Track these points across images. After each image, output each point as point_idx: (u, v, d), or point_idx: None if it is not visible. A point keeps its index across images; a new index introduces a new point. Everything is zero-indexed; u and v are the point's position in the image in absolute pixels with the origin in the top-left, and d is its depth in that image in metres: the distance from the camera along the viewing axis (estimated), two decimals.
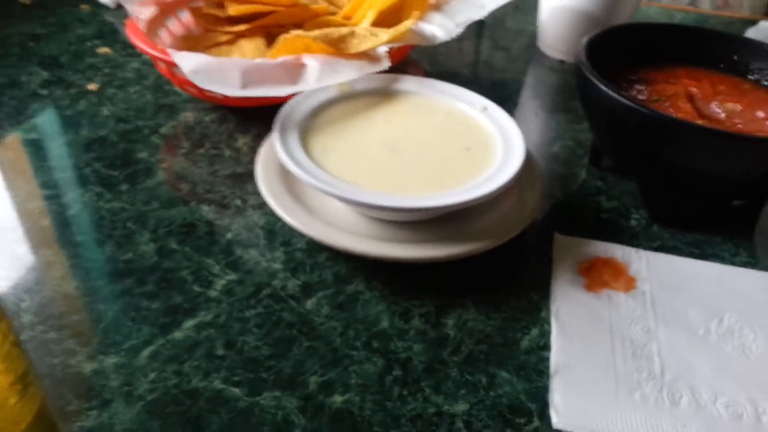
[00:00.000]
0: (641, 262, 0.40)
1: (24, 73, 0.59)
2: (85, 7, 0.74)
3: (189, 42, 0.58)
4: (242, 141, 0.51)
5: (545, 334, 0.36)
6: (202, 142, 0.51)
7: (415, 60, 0.67)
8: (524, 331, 0.36)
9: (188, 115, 0.54)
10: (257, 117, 0.54)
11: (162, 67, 0.52)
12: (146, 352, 0.34)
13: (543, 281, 0.39)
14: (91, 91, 0.57)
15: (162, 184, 0.46)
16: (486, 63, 0.68)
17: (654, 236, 0.44)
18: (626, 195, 0.48)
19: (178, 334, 0.35)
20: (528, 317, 0.37)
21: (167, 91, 0.57)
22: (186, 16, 0.60)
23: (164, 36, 0.57)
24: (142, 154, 0.49)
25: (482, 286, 0.39)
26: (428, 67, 0.66)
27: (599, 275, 0.39)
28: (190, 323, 0.35)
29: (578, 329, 0.35)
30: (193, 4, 0.61)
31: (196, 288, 0.37)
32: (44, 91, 0.57)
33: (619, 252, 0.41)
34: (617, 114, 0.41)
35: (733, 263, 0.42)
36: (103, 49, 0.65)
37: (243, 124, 0.53)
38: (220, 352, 0.34)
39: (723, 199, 0.45)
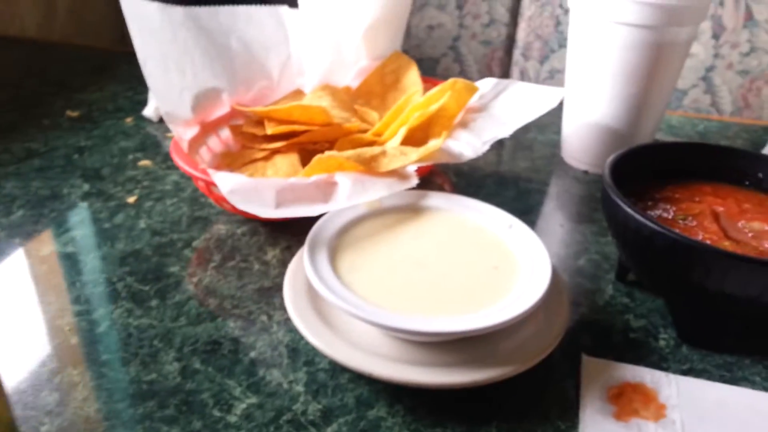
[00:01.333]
0: (671, 387, 0.39)
1: (66, 185, 0.63)
2: (129, 120, 0.79)
3: (227, 159, 0.61)
4: (271, 254, 0.52)
5: None
6: (232, 255, 0.52)
7: (442, 170, 0.69)
8: None
9: (221, 228, 0.56)
10: (287, 229, 0.55)
11: (201, 186, 0.55)
12: None
13: (570, 406, 0.38)
14: (129, 204, 0.60)
15: (191, 299, 0.47)
16: (510, 173, 0.69)
17: (683, 358, 0.42)
18: (654, 313, 0.47)
19: None
20: None
21: (202, 204, 0.60)
22: (225, 134, 0.64)
23: (204, 153, 0.60)
24: (174, 268, 0.50)
25: (508, 411, 0.38)
26: (453, 177, 0.68)
27: (629, 402, 0.37)
28: None
29: None
30: (233, 122, 0.64)
31: (216, 413, 0.37)
32: (84, 204, 0.59)
33: (648, 376, 0.40)
34: (643, 235, 0.41)
35: (764, 388, 0.40)
36: (144, 162, 0.68)
37: (273, 237, 0.54)
38: None
39: (753, 321, 0.44)
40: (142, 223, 0.56)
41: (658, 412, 0.37)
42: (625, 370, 0.40)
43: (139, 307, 0.46)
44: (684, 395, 0.38)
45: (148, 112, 0.80)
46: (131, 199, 0.61)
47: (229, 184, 0.48)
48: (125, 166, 0.68)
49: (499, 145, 0.76)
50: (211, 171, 0.50)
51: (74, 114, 0.80)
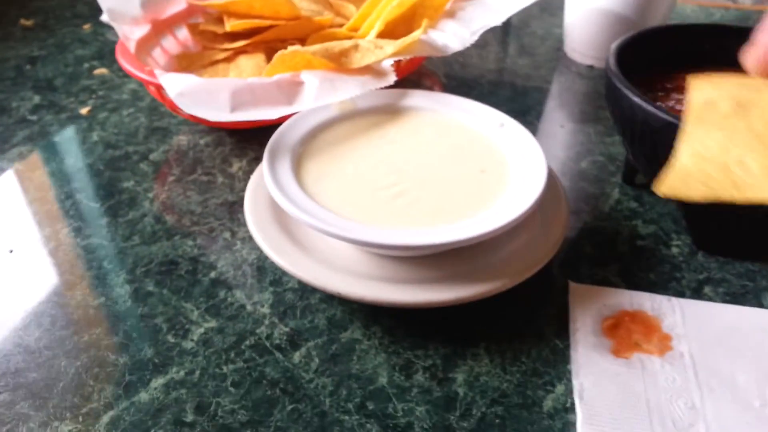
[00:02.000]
0: (675, 314, 0.34)
1: (16, 98, 0.57)
2: (87, 27, 0.72)
3: (185, 61, 0.54)
4: (237, 165, 0.47)
5: (573, 392, 0.30)
6: (194, 168, 0.47)
7: (431, 71, 0.62)
8: (547, 387, 0.31)
9: (182, 139, 0.50)
10: (255, 138, 0.50)
11: (153, 90, 0.48)
12: (106, 418, 0.29)
13: (568, 323, 0.34)
14: (82, 116, 0.54)
15: (145, 216, 0.42)
16: (508, 71, 0.63)
17: (699, 267, 0.38)
18: (665, 218, 0.42)
19: (144, 396, 0.30)
20: (552, 370, 0.32)
21: (162, 113, 0.54)
22: (184, 33, 0.57)
23: (159, 56, 0.54)
24: (128, 183, 0.45)
25: (498, 331, 0.34)
26: (444, 78, 0.61)
27: (628, 335, 0.33)
28: (159, 382, 0.31)
29: (609, 411, 0.29)
30: (192, 20, 0.57)
31: (170, 338, 0.33)
32: (33, 117, 0.54)
33: (647, 302, 0.35)
34: (653, 127, 0.35)
35: None
36: (100, 70, 0.62)
37: (240, 147, 0.49)
38: (190, 417, 0.29)
39: None
40: (94, 136, 0.51)
41: (663, 345, 0.32)
42: (620, 296, 0.35)
43: (88, 226, 0.41)
44: (690, 322, 0.34)
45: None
46: (84, 111, 0.55)
47: (178, 86, 0.41)
48: (80, 75, 0.61)
49: (496, 41, 0.69)
50: (158, 72, 0.44)
51: (28, 23, 0.73)
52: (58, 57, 0.65)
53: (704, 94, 0.25)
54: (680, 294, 0.36)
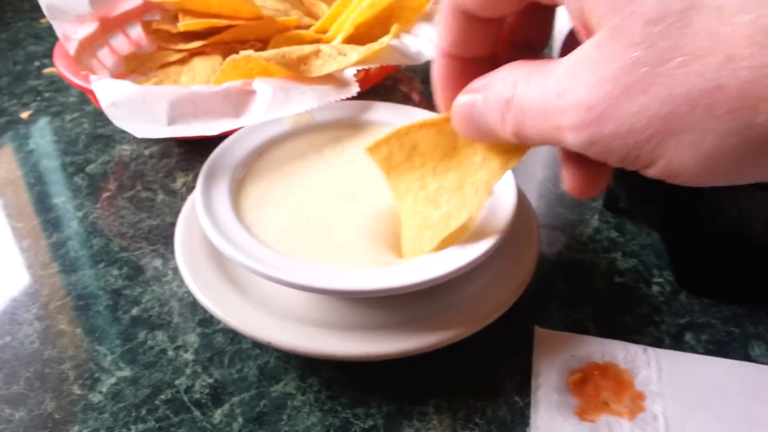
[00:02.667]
0: (650, 367, 0.30)
1: None
2: (44, 21, 0.67)
3: (134, 62, 0.50)
4: (182, 181, 0.43)
5: None
6: (133, 183, 0.42)
7: (408, 75, 0.58)
8: None
9: (125, 149, 0.46)
10: (207, 150, 0.44)
11: (93, 97, 0.44)
12: None
13: (531, 376, 0.30)
14: (22, 120, 0.49)
15: (70, 240, 0.37)
16: None
17: (681, 309, 0.34)
18: (648, 251, 0.38)
19: None
20: None
21: (108, 119, 0.49)
22: (138, 32, 0.53)
23: (105, 56, 0.49)
24: (58, 200, 0.41)
25: (451, 385, 0.30)
26: (422, 84, 0.57)
27: (596, 392, 0.29)
28: None
29: None
30: (148, 17, 0.53)
31: (76, 389, 0.29)
32: None
33: (620, 353, 0.31)
34: None
35: None
36: (50, 70, 0.57)
37: (187, 159, 0.45)
38: None
39: None
40: (31, 144, 0.47)
41: (635, 404, 0.28)
42: (591, 344, 0.31)
43: (3, 250, 0.37)
44: (667, 377, 0.29)
45: None
46: (25, 114, 0.50)
47: (112, 95, 0.37)
48: (27, 75, 0.57)
49: None
50: (93, 78, 0.40)
51: None
52: (8, 53, 0.60)
53: (380, 154, 0.28)
54: (659, 341, 0.32)
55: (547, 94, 0.19)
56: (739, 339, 0.32)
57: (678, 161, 0.17)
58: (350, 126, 0.40)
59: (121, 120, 0.36)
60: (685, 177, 0.17)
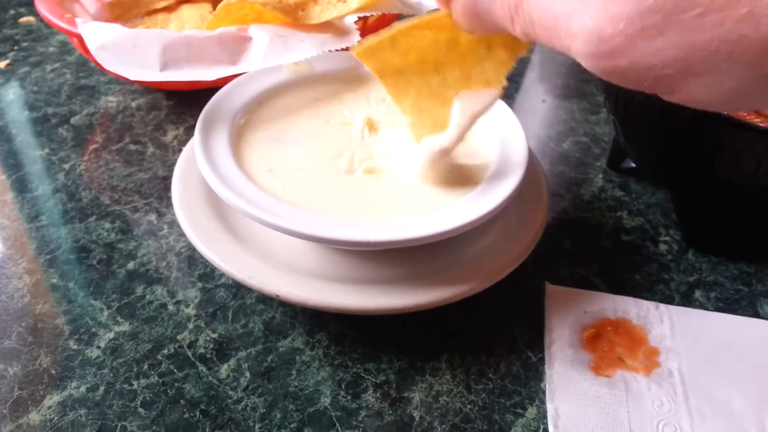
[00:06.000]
0: (663, 323, 0.30)
1: None
2: None
3: (119, 8, 0.47)
4: (173, 134, 0.41)
5: (546, 417, 0.26)
6: (121, 135, 0.40)
7: None
8: (517, 410, 0.26)
9: (111, 100, 0.44)
10: (197, 102, 0.43)
11: (77, 43, 0.42)
12: None
13: (543, 331, 0.29)
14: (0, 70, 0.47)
15: (58, 192, 0.36)
16: None
17: (690, 267, 0.34)
18: (654, 209, 0.37)
19: (34, 417, 0.25)
20: (523, 389, 0.27)
21: (92, 70, 0.47)
22: None
23: (88, 2, 0.47)
24: (42, 151, 0.39)
25: (463, 340, 0.29)
26: None
27: (610, 348, 0.28)
28: (54, 399, 0.25)
29: None
30: None
31: (72, 344, 0.28)
32: None
33: (633, 309, 0.30)
34: (653, 109, 0.31)
35: None
36: (27, 19, 0.54)
37: (177, 112, 0.43)
38: None
39: None
40: (11, 94, 0.44)
41: (650, 360, 0.28)
42: (603, 300, 0.31)
43: None
44: (681, 334, 0.29)
45: None
46: (2, 64, 0.47)
47: (101, 38, 0.35)
48: (2, 23, 0.53)
49: None
50: (79, 21, 0.37)
51: None
52: None
53: (372, 58, 0.27)
54: (669, 299, 0.32)
55: (557, 11, 0.18)
56: (747, 297, 0.32)
57: (698, 94, 0.17)
58: (350, 78, 0.38)
59: (111, 63, 0.34)
60: (703, 105, 0.18)
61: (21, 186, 0.36)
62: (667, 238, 0.35)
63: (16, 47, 0.50)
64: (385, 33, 0.26)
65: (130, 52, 0.35)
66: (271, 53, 0.36)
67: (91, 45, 0.35)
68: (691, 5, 0.16)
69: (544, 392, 0.27)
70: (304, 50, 0.37)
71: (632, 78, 0.18)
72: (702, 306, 0.31)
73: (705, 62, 0.16)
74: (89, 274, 0.31)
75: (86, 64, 0.47)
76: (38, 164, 0.37)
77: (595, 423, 0.26)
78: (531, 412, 0.26)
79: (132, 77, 0.34)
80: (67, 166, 0.37)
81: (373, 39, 0.27)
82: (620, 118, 0.35)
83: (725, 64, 0.16)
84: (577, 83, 0.50)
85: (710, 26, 0.16)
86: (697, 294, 0.32)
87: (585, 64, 0.18)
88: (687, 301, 0.32)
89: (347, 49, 0.38)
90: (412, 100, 0.28)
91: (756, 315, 0.31)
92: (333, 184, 0.30)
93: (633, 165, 0.39)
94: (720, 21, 0.15)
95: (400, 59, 0.27)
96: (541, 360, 0.28)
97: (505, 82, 0.26)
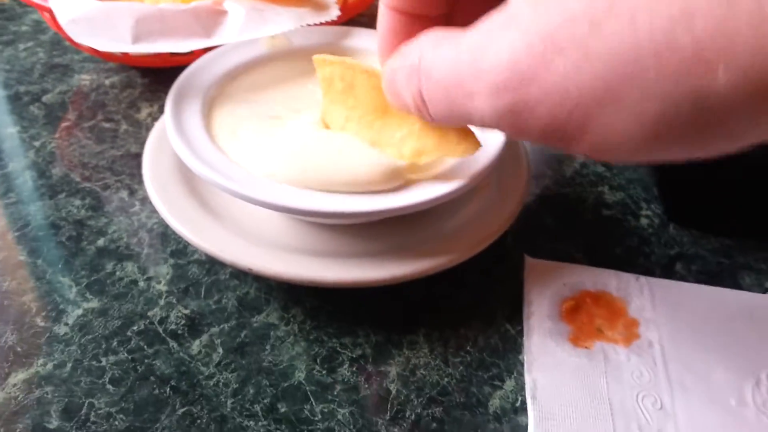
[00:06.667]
0: (643, 295, 0.29)
1: None
2: None
3: None
4: (146, 111, 0.40)
5: (524, 389, 0.26)
6: (94, 113, 0.39)
7: None
8: (495, 383, 0.26)
9: (84, 78, 0.43)
10: (171, 80, 0.42)
11: (48, 18, 0.41)
12: None
13: (522, 304, 0.29)
14: None
15: (27, 169, 0.35)
16: None
17: (671, 240, 0.33)
18: (635, 184, 0.37)
19: None
20: (501, 361, 0.27)
21: (65, 49, 0.46)
22: None
23: None
24: (12, 129, 0.38)
25: (441, 314, 0.29)
26: None
27: (589, 320, 0.28)
28: (19, 377, 0.25)
29: (566, 412, 0.25)
30: None
31: (39, 321, 0.27)
32: None
33: (613, 281, 0.30)
34: None
35: None
36: None
37: (152, 90, 0.42)
38: (54, 423, 0.23)
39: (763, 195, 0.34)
40: None
41: (629, 332, 0.28)
42: (582, 273, 0.30)
43: None
44: (661, 305, 0.29)
45: None
46: None
47: (72, 11, 0.34)
48: None
49: None
50: None
51: None
52: None
53: (324, 72, 0.27)
54: (649, 271, 0.31)
55: (461, 57, 0.17)
56: (728, 269, 0.32)
57: (614, 131, 0.14)
58: (329, 52, 0.37)
59: (82, 36, 0.33)
60: (618, 151, 0.15)
61: None
62: (648, 213, 0.35)
63: None
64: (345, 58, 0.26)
65: (101, 25, 0.34)
66: (248, 26, 0.35)
67: (62, 19, 0.34)
68: (623, 6, 0.13)
69: (522, 365, 0.27)
70: (282, 23, 0.36)
71: (539, 116, 0.15)
72: (683, 278, 0.31)
73: (629, 80, 0.13)
74: (58, 251, 0.30)
75: (60, 43, 0.46)
76: (7, 142, 0.36)
77: (573, 394, 0.25)
78: (509, 384, 0.26)
79: (103, 49, 0.33)
80: (37, 144, 0.36)
81: (334, 56, 0.27)
82: None
83: (652, 83, 0.13)
84: None
85: (640, 32, 0.13)
86: (678, 267, 0.32)
87: (487, 108, 0.16)
88: (668, 273, 0.31)
89: (327, 23, 0.38)
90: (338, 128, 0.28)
91: (737, 287, 0.31)
92: (311, 148, 0.29)
93: None
94: (650, 26, 0.13)
95: (342, 89, 0.27)
96: (520, 333, 0.28)
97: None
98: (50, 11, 0.37)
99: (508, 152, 0.32)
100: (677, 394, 0.26)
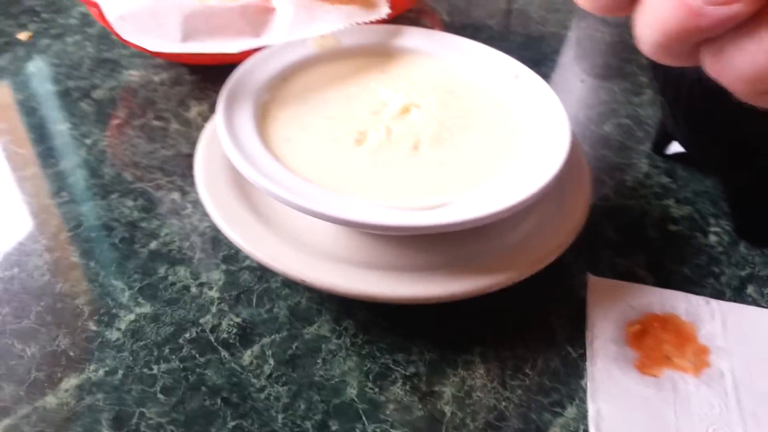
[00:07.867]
0: (714, 320, 0.28)
1: None
2: None
3: None
4: (196, 110, 0.39)
5: (586, 418, 0.24)
6: (144, 110, 0.39)
7: (431, 7, 0.54)
8: (555, 409, 0.25)
9: (133, 74, 0.42)
10: (221, 77, 0.41)
11: (96, 13, 0.40)
12: (0, 427, 0.23)
13: (584, 325, 0.28)
14: (20, 42, 0.46)
15: (79, 168, 0.35)
16: (520, 12, 0.54)
17: (742, 261, 0.31)
18: (702, 198, 0.35)
19: (51, 400, 0.24)
20: (562, 387, 0.26)
21: (113, 43, 0.46)
22: None
23: None
24: (63, 126, 0.38)
25: (498, 333, 0.27)
26: (447, 16, 0.53)
27: (657, 345, 0.27)
28: (71, 382, 0.25)
29: None
30: None
31: (92, 326, 0.27)
32: None
33: (682, 304, 0.28)
34: (708, 88, 0.28)
35: None
36: None
37: (201, 87, 0.41)
38: None
39: None
40: (31, 67, 0.43)
41: (699, 359, 0.26)
42: (649, 294, 0.29)
43: (7, 177, 0.34)
44: (733, 332, 0.27)
45: None
46: (23, 36, 0.46)
47: (120, 8, 0.34)
48: None
49: None
50: None
51: None
52: None
53: None
54: (719, 294, 0.30)
55: None
56: None
57: None
58: (379, 52, 0.36)
59: (130, 34, 0.33)
60: None
61: (43, 161, 0.35)
62: (717, 229, 0.33)
63: (36, 18, 0.49)
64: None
65: (149, 23, 0.33)
66: (297, 25, 0.35)
67: (110, 15, 0.34)
68: None
69: (584, 391, 0.25)
70: (331, 22, 0.35)
71: None
72: (755, 302, 0.29)
73: None
74: (111, 253, 0.30)
75: (108, 37, 0.46)
76: (58, 139, 0.36)
77: (639, 426, 0.24)
78: (570, 411, 0.25)
79: (151, 48, 0.33)
80: (89, 141, 0.36)
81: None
82: (669, 98, 0.33)
83: None
84: (618, 63, 0.47)
85: None
86: (750, 289, 0.30)
87: None
88: (739, 296, 0.30)
89: (377, 22, 0.37)
90: None
91: None
92: (365, 161, 0.28)
93: (679, 150, 0.37)
94: None
95: None
96: (582, 356, 0.27)
97: None
98: (98, 6, 0.37)
99: (570, 164, 0.31)
100: (751, 427, 0.24)
